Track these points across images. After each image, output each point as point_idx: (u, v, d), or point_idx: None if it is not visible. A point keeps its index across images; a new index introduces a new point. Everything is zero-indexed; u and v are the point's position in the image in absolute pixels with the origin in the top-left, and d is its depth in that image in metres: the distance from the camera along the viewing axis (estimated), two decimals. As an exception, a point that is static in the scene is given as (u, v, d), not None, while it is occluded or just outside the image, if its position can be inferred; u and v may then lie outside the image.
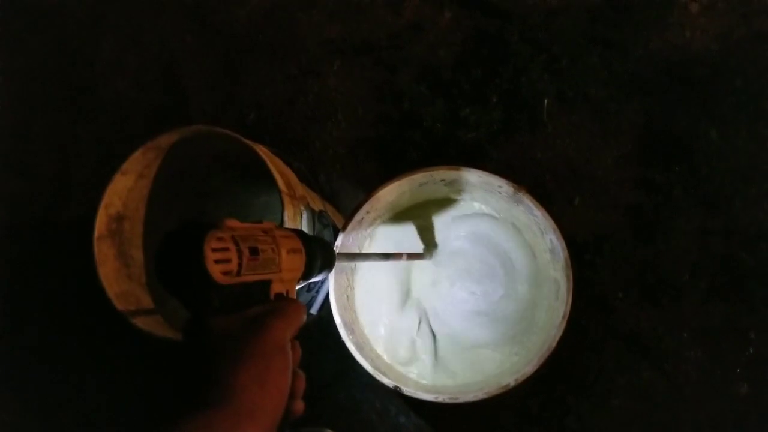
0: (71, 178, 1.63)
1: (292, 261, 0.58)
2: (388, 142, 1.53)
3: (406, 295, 1.13)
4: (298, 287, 0.62)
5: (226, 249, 0.47)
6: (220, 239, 0.47)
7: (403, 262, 1.09)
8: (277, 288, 0.55)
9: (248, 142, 1.04)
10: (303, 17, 1.66)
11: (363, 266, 1.13)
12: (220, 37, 1.69)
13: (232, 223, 0.51)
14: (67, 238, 1.38)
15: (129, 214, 1.12)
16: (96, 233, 1.03)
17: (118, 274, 1.06)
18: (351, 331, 0.98)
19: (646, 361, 1.38)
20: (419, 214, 1.16)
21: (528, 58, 1.49)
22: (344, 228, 0.98)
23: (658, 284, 1.39)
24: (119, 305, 1.01)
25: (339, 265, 1.01)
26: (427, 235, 1.12)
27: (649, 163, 1.45)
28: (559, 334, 0.91)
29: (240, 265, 0.48)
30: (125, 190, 1.10)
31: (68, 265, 1.36)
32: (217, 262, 0.46)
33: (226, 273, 0.47)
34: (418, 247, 1.13)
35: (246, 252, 0.49)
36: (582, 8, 1.57)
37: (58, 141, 1.67)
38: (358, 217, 1.00)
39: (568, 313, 0.92)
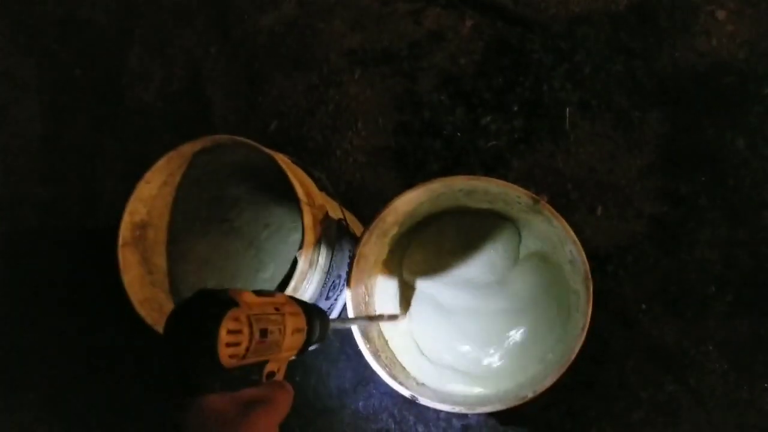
0: (98, 187, 1.67)
1: (293, 341, 0.60)
2: (408, 152, 1.53)
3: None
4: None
5: (239, 332, 0.48)
6: (236, 320, 0.48)
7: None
8: (270, 367, 0.56)
9: (269, 151, 1.06)
10: (324, 27, 1.68)
11: (381, 277, 1.13)
12: (243, 48, 1.72)
13: (249, 297, 0.52)
14: (94, 245, 1.42)
15: (153, 222, 1.14)
16: (120, 240, 1.06)
17: (142, 281, 1.08)
18: (368, 339, 0.98)
19: (670, 374, 1.35)
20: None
21: (550, 67, 1.48)
22: (361, 240, 0.99)
23: (683, 296, 1.36)
24: (143, 312, 1.03)
25: (357, 275, 1.02)
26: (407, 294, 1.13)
27: (673, 173, 1.43)
28: (578, 346, 0.89)
29: (248, 349, 0.49)
30: (149, 198, 1.12)
31: (94, 272, 1.39)
32: (228, 345, 0.47)
33: (232, 356, 0.48)
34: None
35: (256, 336, 0.50)
36: (605, 16, 1.56)
37: (86, 150, 1.71)
38: (375, 225, 1.01)
39: (587, 325, 0.91)
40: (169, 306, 1.10)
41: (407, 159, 1.53)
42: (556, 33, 1.52)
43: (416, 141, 1.53)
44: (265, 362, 0.55)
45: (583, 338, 0.89)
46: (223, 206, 1.21)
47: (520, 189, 0.97)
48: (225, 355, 0.47)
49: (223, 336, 0.46)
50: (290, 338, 0.58)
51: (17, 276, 1.66)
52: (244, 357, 0.49)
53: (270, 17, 1.72)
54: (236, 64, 1.71)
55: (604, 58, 1.48)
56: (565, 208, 1.42)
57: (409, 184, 1.00)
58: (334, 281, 1.14)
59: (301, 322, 0.61)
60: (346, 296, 0.99)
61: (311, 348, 0.66)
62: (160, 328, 1.00)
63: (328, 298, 1.14)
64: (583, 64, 1.47)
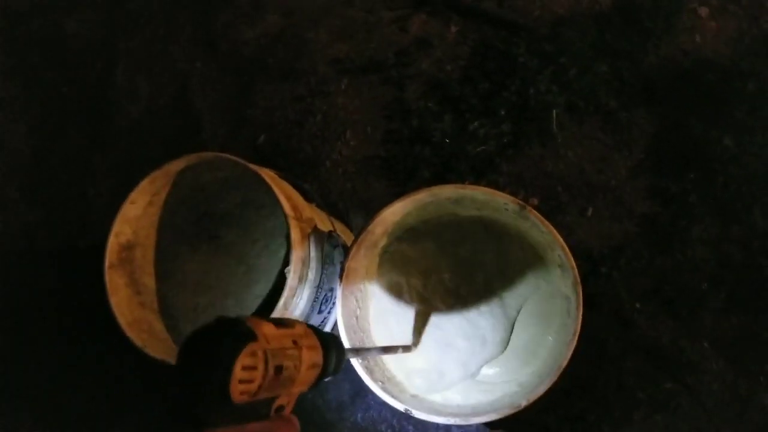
0: (87, 206, 1.66)
1: (307, 376, 0.58)
2: (398, 160, 1.53)
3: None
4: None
5: (254, 368, 0.47)
6: (252, 355, 0.46)
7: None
8: (280, 401, 0.55)
9: (254, 167, 1.05)
10: (311, 38, 1.68)
11: (373, 289, 1.13)
12: (230, 61, 1.71)
13: (268, 329, 0.50)
14: (83, 266, 1.41)
15: (140, 242, 1.13)
16: (107, 263, 1.05)
17: (130, 302, 1.07)
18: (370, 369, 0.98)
19: (667, 373, 1.35)
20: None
21: (536, 70, 1.48)
22: (350, 253, 0.99)
23: (677, 295, 1.36)
24: (131, 334, 1.02)
25: (347, 288, 1.01)
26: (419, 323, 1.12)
27: (663, 171, 1.43)
28: (570, 351, 0.89)
29: (260, 386, 0.48)
30: (135, 218, 1.11)
31: (82, 293, 1.38)
32: (241, 381, 0.45)
33: (244, 393, 0.46)
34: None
35: (271, 372, 0.49)
36: (589, 18, 1.56)
37: (75, 170, 1.70)
38: (364, 238, 1.00)
39: (578, 329, 0.90)
40: (158, 327, 1.09)
41: (397, 167, 1.53)
42: (541, 36, 1.52)
43: (406, 149, 1.53)
44: (276, 397, 0.54)
45: (575, 343, 0.89)
46: (212, 223, 1.21)
47: (507, 196, 0.96)
48: (237, 391, 0.45)
49: (238, 372, 0.45)
50: (305, 373, 0.57)
51: (4, 297, 1.65)
52: (255, 394, 0.48)
53: (256, 29, 1.72)
54: (223, 77, 1.71)
55: (589, 59, 1.48)
56: (555, 210, 1.42)
57: (400, 192, 1.00)
58: (326, 295, 1.13)
59: (318, 356, 0.60)
60: (337, 311, 0.99)
61: (324, 380, 0.64)
62: (149, 350, 0.99)
63: (320, 312, 1.13)
64: (569, 66, 1.47)
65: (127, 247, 1.09)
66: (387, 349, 0.99)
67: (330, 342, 0.63)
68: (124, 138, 1.72)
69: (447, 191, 1.00)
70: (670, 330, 1.36)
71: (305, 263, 1.05)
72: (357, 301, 1.07)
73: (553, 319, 1.05)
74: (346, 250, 1.09)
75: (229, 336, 0.46)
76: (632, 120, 1.46)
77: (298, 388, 0.58)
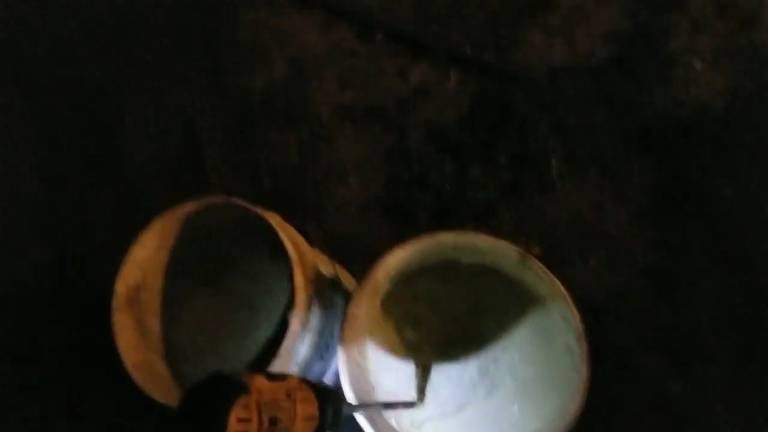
0: (94, 247, 1.68)
1: (303, 428, 0.59)
2: (398, 204, 1.55)
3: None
4: None
5: (248, 420, 0.48)
6: (246, 407, 0.48)
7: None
8: None
9: (260, 211, 1.07)
10: (315, 86, 1.73)
11: (375, 337, 1.13)
12: (236, 107, 1.76)
13: (261, 382, 0.52)
14: (88, 307, 1.41)
15: (147, 284, 1.14)
16: (115, 304, 1.06)
17: (137, 345, 1.08)
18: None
19: (677, 430, 1.33)
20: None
21: (534, 119, 1.52)
22: (352, 300, 1.00)
23: (684, 347, 1.36)
24: (137, 376, 1.02)
25: (350, 335, 1.02)
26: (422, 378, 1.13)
27: (664, 221, 1.44)
28: (576, 409, 0.89)
29: None
30: (144, 261, 1.13)
31: (87, 334, 1.38)
32: None
33: None
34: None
35: (266, 423, 0.50)
36: (585, 68, 1.61)
37: (81, 210, 1.72)
38: (366, 284, 1.02)
39: (584, 385, 0.90)
40: (161, 370, 1.09)
41: (398, 212, 1.55)
42: (539, 86, 1.57)
43: (406, 194, 1.56)
44: None
45: (580, 400, 0.89)
46: (217, 266, 1.22)
47: (508, 244, 0.98)
48: None
49: (233, 424, 0.46)
50: (300, 425, 0.57)
51: (8, 338, 1.65)
52: None
53: (262, 77, 1.77)
54: (229, 121, 1.75)
55: (587, 109, 1.52)
56: (557, 259, 1.43)
57: (401, 237, 1.02)
58: (327, 341, 1.14)
59: (313, 408, 0.60)
60: (339, 359, 0.99)
61: None
62: (153, 393, 0.99)
63: (322, 358, 1.13)
64: (566, 115, 1.51)
65: (135, 289, 1.10)
66: (388, 405, 0.99)
67: (326, 395, 0.64)
68: (131, 180, 1.74)
69: (449, 238, 1.02)
70: (678, 384, 1.35)
71: (308, 308, 1.05)
72: (359, 348, 1.07)
73: (557, 373, 1.05)
74: (348, 295, 1.10)
75: (223, 389, 0.48)
76: (631, 169, 1.49)
77: None
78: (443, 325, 1.13)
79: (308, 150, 1.66)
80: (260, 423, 0.49)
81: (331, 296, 1.14)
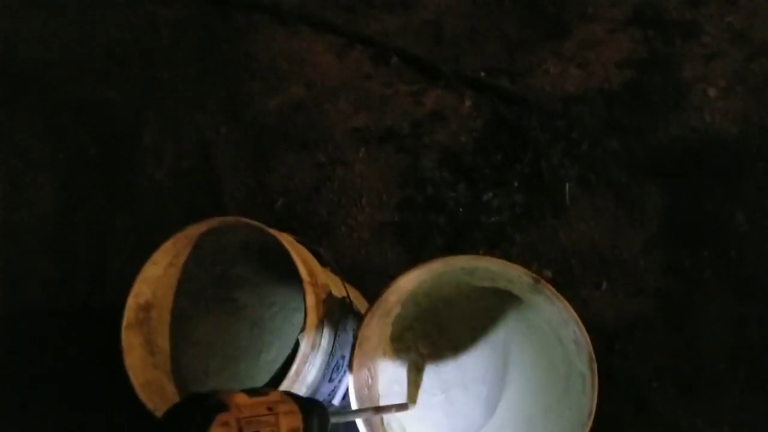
0: (106, 265, 1.69)
1: None
2: (412, 227, 1.55)
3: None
4: None
5: None
6: (225, 425, 0.48)
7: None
8: None
9: (273, 232, 1.07)
10: (330, 108, 1.75)
11: (385, 359, 1.12)
12: (252, 128, 1.78)
13: (240, 399, 0.52)
14: (99, 323, 1.42)
15: (157, 303, 1.15)
16: (124, 322, 1.06)
17: (144, 363, 1.08)
18: (373, 428, 0.96)
19: (687, 457, 1.30)
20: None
21: (548, 144, 1.52)
22: (362, 322, 0.99)
23: (694, 373, 1.34)
24: (144, 396, 1.02)
25: (360, 358, 1.01)
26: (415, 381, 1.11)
27: (676, 247, 1.43)
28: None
29: None
30: (155, 279, 1.13)
31: (97, 351, 1.38)
32: None
33: None
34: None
35: None
36: (599, 94, 1.61)
37: (96, 229, 1.75)
38: (378, 306, 1.01)
39: (594, 410, 0.89)
40: (170, 389, 1.09)
41: (411, 234, 1.55)
42: (553, 112, 1.58)
43: (420, 216, 1.56)
44: None
45: (590, 424, 0.87)
46: (228, 286, 1.23)
47: (520, 268, 0.97)
48: None
49: None
50: None
51: (20, 352, 1.66)
52: None
53: (278, 99, 1.80)
54: (245, 143, 1.77)
55: (600, 135, 1.52)
56: (569, 283, 1.42)
57: (413, 260, 1.02)
58: (337, 362, 1.13)
59: (297, 420, 0.60)
60: (349, 381, 0.98)
61: None
62: (159, 413, 0.99)
63: (331, 380, 1.12)
64: (580, 140, 1.51)
65: (145, 308, 1.11)
66: (380, 409, 0.97)
67: (310, 406, 0.64)
68: (146, 199, 1.77)
69: (461, 261, 1.01)
70: (688, 411, 1.32)
71: (319, 330, 1.05)
72: (369, 371, 1.06)
73: (568, 396, 1.03)
74: (359, 317, 1.09)
75: (200, 409, 0.48)
76: (644, 195, 1.48)
77: None
78: (464, 346, 1.12)
79: (322, 171, 1.67)
80: None
81: (341, 318, 1.14)
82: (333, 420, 0.69)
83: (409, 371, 1.11)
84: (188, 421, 0.47)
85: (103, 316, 1.43)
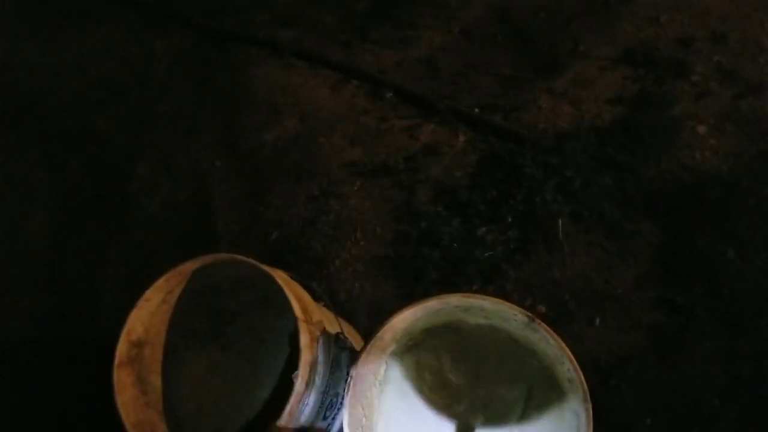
0: (99, 299, 1.68)
1: None
2: (406, 261, 1.56)
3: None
4: None
5: None
6: None
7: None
8: None
9: (267, 268, 1.07)
10: (325, 142, 1.77)
11: (380, 397, 1.12)
12: (247, 161, 1.79)
13: None
14: (91, 359, 1.40)
15: (150, 339, 1.14)
16: (116, 360, 1.05)
17: (136, 402, 1.06)
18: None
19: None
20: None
21: (541, 180, 1.54)
22: (358, 359, 0.99)
23: (687, 411, 1.33)
24: (135, 436, 1.00)
25: (354, 396, 1.01)
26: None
27: (668, 283, 1.44)
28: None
29: None
30: (148, 316, 1.13)
31: (89, 387, 1.36)
32: None
33: None
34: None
35: None
36: (591, 131, 1.64)
37: (89, 260, 1.74)
38: (373, 345, 1.01)
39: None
40: (161, 429, 1.07)
41: (405, 268, 1.55)
42: (546, 148, 1.60)
43: (414, 251, 1.56)
44: None
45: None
46: (222, 322, 1.22)
47: (515, 307, 0.97)
48: None
49: None
50: None
51: (11, 385, 1.63)
52: None
53: (273, 132, 1.81)
54: (240, 176, 1.78)
55: (592, 171, 1.54)
56: (563, 318, 1.42)
57: (407, 294, 1.01)
58: (331, 400, 1.12)
59: None
60: (344, 419, 0.97)
61: None
62: (151, 454, 0.97)
63: (325, 417, 1.11)
64: (573, 177, 1.53)
65: (137, 345, 1.10)
66: None
67: None
68: (139, 231, 1.76)
69: (455, 300, 1.02)
70: (682, 448, 1.32)
71: (313, 368, 1.04)
72: (363, 409, 1.05)
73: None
74: (354, 354, 1.09)
75: None
76: (636, 231, 1.49)
77: None
78: (458, 384, 1.11)
79: (317, 205, 1.68)
80: None
81: (336, 355, 1.13)
82: None
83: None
84: None
85: (97, 349, 1.42)
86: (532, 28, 1.88)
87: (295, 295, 1.08)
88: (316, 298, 1.25)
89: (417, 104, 1.78)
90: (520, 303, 1.21)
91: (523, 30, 1.88)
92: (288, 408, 0.97)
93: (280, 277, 1.09)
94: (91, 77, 2.08)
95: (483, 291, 1.46)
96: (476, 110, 1.74)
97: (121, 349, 1.06)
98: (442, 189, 1.63)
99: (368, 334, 1.02)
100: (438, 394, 1.12)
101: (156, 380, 1.12)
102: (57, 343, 1.65)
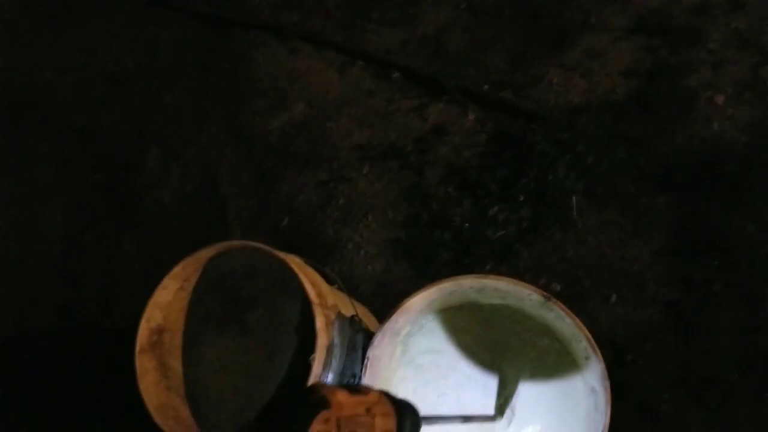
0: (116, 288, 1.70)
1: None
2: (418, 243, 1.55)
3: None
4: None
5: None
6: (326, 422, 0.51)
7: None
8: None
9: (280, 254, 1.08)
10: (333, 126, 1.75)
11: (396, 377, 1.12)
12: (255, 149, 1.79)
13: (342, 397, 0.55)
14: (111, 347, 1.42)
15: (169, 326, 1.15)
16: (137, 347, 1.07)
17: (158, 387, 1.09)
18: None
19: (702, 471, 1.29)
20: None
21: (553, 157, 1.52)
22: (373, 342, 0.99)
23: (705, 385, 1.32)
24: (159, 419, 1.02)
25: (371, 378, 1.01)
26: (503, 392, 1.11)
27: (685, 258, 1.42)
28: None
29: None
30: (166, 303, 1.14)
31: (110, 374, 1.39)
32: None
33: None
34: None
35: None
36: (604, 106, 1.61)
37: (105, 251, 1.76)
38: (388, 326, 1.01)
39: (607, 426, 0.88)
40: (184, 412, 1.09)
41: (417, 250, 1.55)
42: (558, 124, 1.57)
43: (426, 232, 1.56)
44: None
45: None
46: (238, 308, 1.23)
47: (530, 286, 0.97)
48: None
49: None
50: None
51: (32, 376, 1.66)
52: None
53: (281, 118, 1.81)
54: (249, 163, 1.78)
55: (605, 147, 1.52)
56: (578, 296, 1.41)
57: (420, 276, 1.02)
58: (348, 381, 1.13)
59: (391, 423, 0.62)
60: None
61: None
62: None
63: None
64: (586, 153, 1.51)
65: (157, 332, 1.11)
66: (467, 419, 0.98)
67: (404, 409, 0.65)
68: (152, 221, 1.77)
69: (469, 281, 1.02)
70: (700, 423, 1.31)
71: (329, 350, 1.05)
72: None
73: (580, 414, 1.03)
74: (368, 335, 1.09)
75: (304, 404, 0.50)
76: (651, 206, 1.47)
77: None
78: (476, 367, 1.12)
79: (327, 190, 1.68)
80: None
81: (351, 336, 1.14)
82: (423, 425, 0.70)
83: (498, 384, 1.11)
84: (291, 415, 0.49)
85: (115, 338, 1.43)
86: (541, 1, 1.84)
87: (310, 280, 1.08)
88: (330, 282, 1.25)
89: (424, 84, 1.76)
90: (534, 282, 1.21)
91: (530, 3, 1.84)
92: (306, 391, 0.98)
93: (294, 262, 1.09)
94: (96, 71, 2.08)
95: (496, 271, 1.45)
96: (485, 87, 1.71)
97: (142, 335, 1.08)
98: (453, 169, 1.62)
99: (382, 316, 1.02)
100: (457, 374, 1.12)
101: (176, 365, 1.14)
102: (77, 334, 1.68)
